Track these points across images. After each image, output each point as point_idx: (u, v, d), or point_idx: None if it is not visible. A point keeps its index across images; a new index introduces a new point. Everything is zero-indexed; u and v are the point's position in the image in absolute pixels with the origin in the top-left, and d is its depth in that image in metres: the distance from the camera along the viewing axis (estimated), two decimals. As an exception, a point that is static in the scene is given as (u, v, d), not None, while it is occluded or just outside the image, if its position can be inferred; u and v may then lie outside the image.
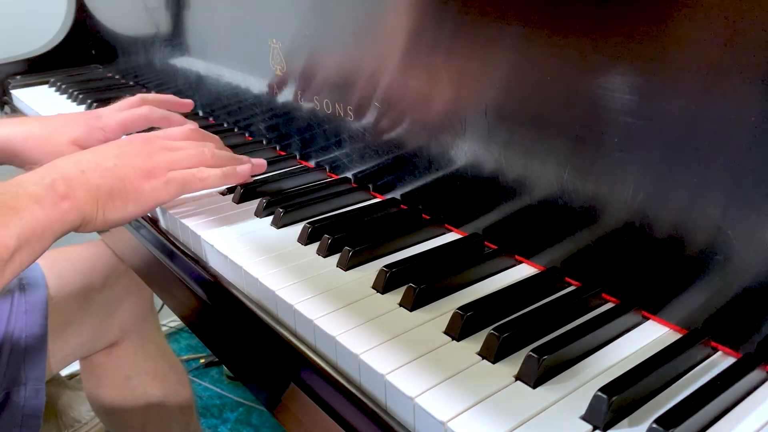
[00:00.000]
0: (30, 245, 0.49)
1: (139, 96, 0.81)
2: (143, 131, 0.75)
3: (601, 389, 0.37)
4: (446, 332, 0.45)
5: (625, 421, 0.37)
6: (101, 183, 0.55)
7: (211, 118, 0.98)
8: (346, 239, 0.56)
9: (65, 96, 1.15)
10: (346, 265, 0.54)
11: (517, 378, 0.41)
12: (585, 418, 0.37)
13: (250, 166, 0.66)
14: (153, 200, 0.58)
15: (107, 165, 0.57)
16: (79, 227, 0.54)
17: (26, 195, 0.50)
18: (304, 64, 0.74)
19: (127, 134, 0.76)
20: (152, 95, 0.83)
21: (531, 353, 0.40)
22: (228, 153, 0.67)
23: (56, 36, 1.33)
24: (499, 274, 0.53)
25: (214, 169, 0.62)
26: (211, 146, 0.64)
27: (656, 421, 0.35)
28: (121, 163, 0.58)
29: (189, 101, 0.85)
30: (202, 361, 1.58)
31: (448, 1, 0.55)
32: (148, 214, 0.70)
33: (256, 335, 0.53)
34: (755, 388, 0.40)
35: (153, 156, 0.60)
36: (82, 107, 1.08)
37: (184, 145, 0.63)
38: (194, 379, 1.53)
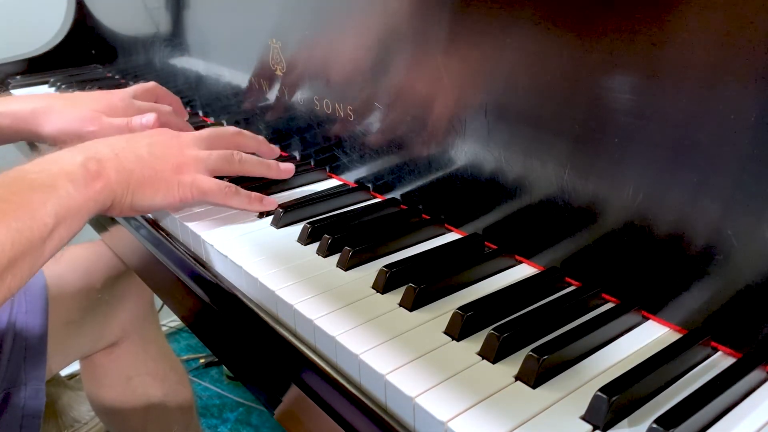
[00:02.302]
0: (67, 223, 0.50)
1: (152, 83, 0.84)
2: None
3: (601, 389, 0.37)
4: (446, 332, 0.45)
5: (625, 421, 0.37)
6: (134, 168, 0.56)
7: (211, 118, 0.99)
8: (346, 239, 0.56)
9: (65, 96, 1.15)
10: (346, 265, 0.54)
11: (517, 378, 0.40)
12: (585, 418, 0.37)
13: (274, 201, 0.65)
14: (180, 196, 0.59)
15: (141, 152, 0.58)
16: (108, 209, 0.55)
17: (62, 173, 0.51)
18: (304, 64, 0.74)
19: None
20: (164, 89, 0.86)
21: (531, 353, 0.40)
22: (256, 159, 0.67)
23: (56, 36, 1.33)
24: (499, 274, 0.53)
25: (240, 192, 0.62)
26: (238, 153, 0.65)
27: (656, 421, 0.35)
28: (154, 152, 0.59)
29: (185, 113, 0.89)
30: (202, 361, 1.58)
31: (447, 1, 0.55)
32: (150, 215, 0.70)
33: (256, 335, 0.53)
34: (755, 388, 0.40)
35: (184, 151, 0.61)
36: (82, 107, 1.08)
37: (213, 145, 0.64)
38: (194, 379, 1.53)
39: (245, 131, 0.69)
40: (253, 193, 0.64)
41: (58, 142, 0.76)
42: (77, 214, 0.51)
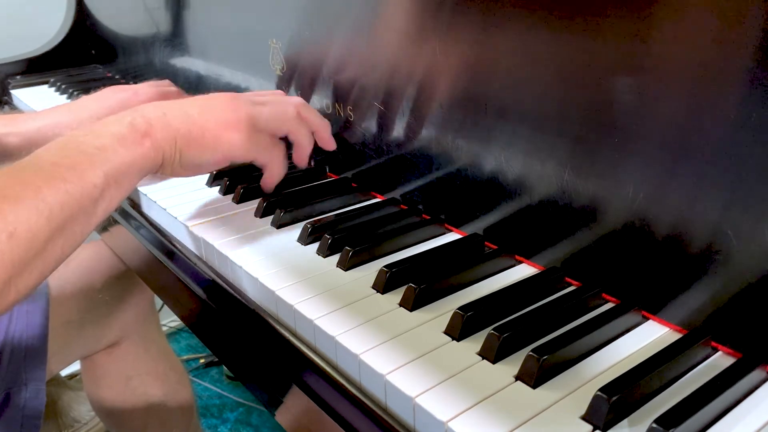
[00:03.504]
0: (118, 183, 0.50)
1: (167, 81, 0.85)
2: None
3: (601, 389, 0.37)
4: (446, 332, 0.45)
5: (625, 421, 0.37)
6: (181, 126, 0.55)
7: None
8: (346, 239, 0.56)
9: (65, 96, 1.15)
10: (346, 265, 0.54)
11: (517, 378, 0.40)
12: (585, 418, 0.37)
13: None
14: (228, 151, 0.58)
15: (190, 112, 0.57)
16: (160, 167, 0.55)
17: (109, 134, 0.51)
18: (304, 64, 0.74)
19: None
20: (176, 88, 0.87)
21: (531, 353, 0.40)
22: (314, 113, 0.66)
23: (56, 36, 1.33)
24: (499, 274, 0.53)
25: (280, 163, 0.63)
26: (296, 104, 0.64)
27: (656, 421, 0.35)
28: (205, 112, 0.58)
29: None
30: (202, 361, 1.58)
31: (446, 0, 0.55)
32: (149, 215, 0.70)
33: (256, 335, 0.53)
34: (755, 388, 0.40)
35: (238, 110, 0.59)
36: (82, 107, 1.08)
37: (268, 99, 0.63)
38: (194, 379, 1.53)
39: (312, 108, 0.67)
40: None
41: None
42: (128, 173, 0.51)
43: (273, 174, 0.64)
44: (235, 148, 0.58)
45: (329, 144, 0.67)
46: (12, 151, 0.76)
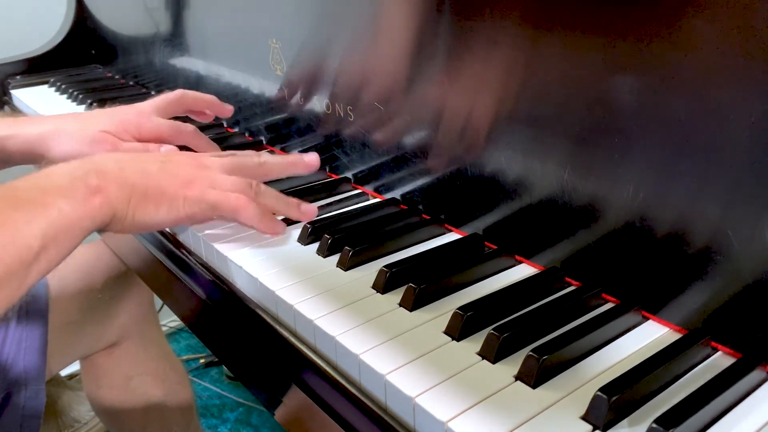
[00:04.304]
0: (57, 243, 0.45)
1: (179, 92, 0.78)
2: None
3: (601, 389, 0.37)
4: (446, 332, 0.45)
5: (625, 421, 0.37)
6: (138, 182, 0.53)
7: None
8: (346, 239, 0.56)
9: (65, 96, 1.15)
10: (346, 265, 0.54)
11: (517, 378, 0.40)
12: (585, 418, 0.37)
13: (283, 227, 0.60)
14: (185, 211, 0.54)
15: (149, 169, 0.54)
16: (108, 226, 0.51)
17: (54, 189, 0.47)
18: (304, 65, 0.74)
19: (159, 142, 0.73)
20: (192, 93, 0.79)
21: (531, 353, 0.40)
22: (275, 192, 0.60)
23: (56, 36, 1.33)
24: (499, 274, 0.53)
25: (252, 204, 0.57)
26: (259, 183, 0.59)
27: (656, 421, 0.35)
28: (165, 168, 0.55)
29: (230, 107, 0.81)
30: (202, 361, 1.58)
31: (447, 1, 0.55)
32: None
33: (256, 335, 0.53)
34: (755, 388, 0.40)
35: (200, 170, 0.56)
36: (82, 107, 1.08)
37: (234, 173, 0.59)
38: (194, 379, 1.53)
39: (275, 157, 0.64)
40: (267, 214, 0.58)
41: None
42: (70, 233, 0.47)
43: (247, 218, 0.57)
44: (193, 208, 0.55)
45: (305, 215, 0.62)
46: (12, 155, 0.74)
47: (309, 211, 0.62)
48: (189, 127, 0.74)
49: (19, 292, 0.44)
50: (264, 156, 0.63)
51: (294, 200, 0.62)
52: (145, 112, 0.75)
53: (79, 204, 0.48)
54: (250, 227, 0.59)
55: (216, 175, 0.57)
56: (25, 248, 0.43)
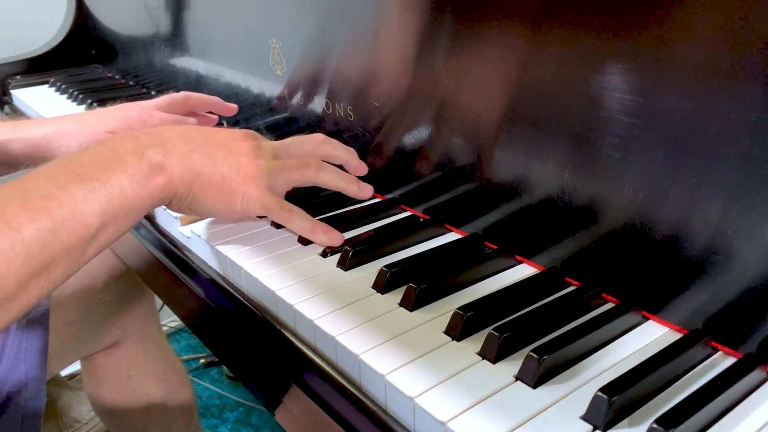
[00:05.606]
0: (116, 221, 0.45)
1: (183, 93, 0.78)
2: None
3: (601, 389, 0.37)
4: (446, 332, 0.45)
5: (625, 421, 0.37)
6: (202, 169, 0.52)
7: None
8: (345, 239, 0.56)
9: (65, 96, 1.15)
10: (347, 265, 0.54)
11: (517, 378, 0.40)
12: (585, 418, 0.37)
13: (341, 236, 0.58)
14: (241, 207, 0.55)
15: (216, 155, 0.53)
16: (166, 205, 0.52)
17: (118, 164, 0.46)
18: (304, 65, 0.74)
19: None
20: (197, 95, 0.80)
21: (531, 353, 0.40)
22: (335, 170, 0.60)
23: (56, 36, 1.34)
24: (499, 274, 0.53)
25: (303, 215, 0.57)
26: (316, 149, 0.60)
27: (656, 421, 0.35)
28: (230, 158, 0.54)
29: (233, 106, 0.81)
30: (202, 361, 1.58)
31: (447, 1, 0.55)
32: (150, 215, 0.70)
33: (256, 335, 0.53)
34: (755, 388, 0.40)
35: (258, 160, 0.56)
36: (82, 107, 1.08)
37: (291, 151, 0.60)
38: (194, 379, 1.53)
39: (334, 140, 0.63)
40: (320, 223, 0.57)
41: None
42: (130, 212, 0.46)
43: (301, 228, 0.57)
44: (248, 207, 0.55)
45: (360, 170, 0.64)
46: (16, 157, 0.74)
47: (367, 189, 0.62)
48: (192, 121, 0.75)
49: (77, 267, 0.44)
50: (325, 137, 0.62)
51: (354, 178, 0.62)
52: (148, 109, 0.75)
53: (141, 184, 0.47)
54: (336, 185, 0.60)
55: (272, 165, 0.56)
56: (84, 226, 0.43)
